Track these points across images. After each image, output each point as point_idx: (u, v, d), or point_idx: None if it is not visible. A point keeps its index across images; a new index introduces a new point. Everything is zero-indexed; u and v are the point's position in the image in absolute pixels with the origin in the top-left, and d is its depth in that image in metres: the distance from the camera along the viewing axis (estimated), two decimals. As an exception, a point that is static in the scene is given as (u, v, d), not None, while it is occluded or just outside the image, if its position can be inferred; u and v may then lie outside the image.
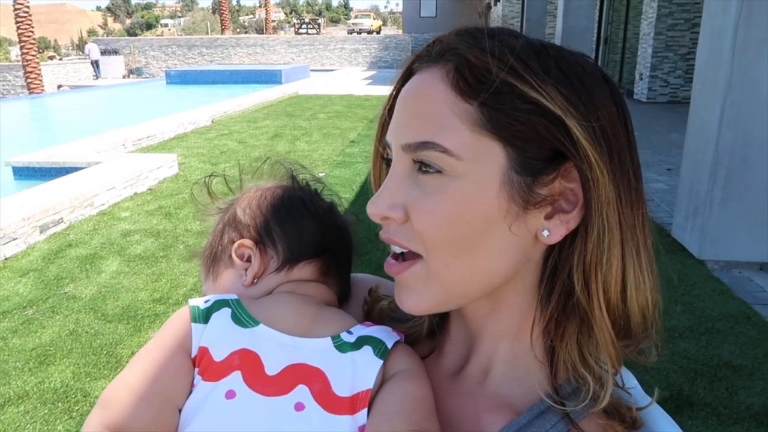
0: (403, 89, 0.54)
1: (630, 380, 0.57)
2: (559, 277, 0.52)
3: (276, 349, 0.56)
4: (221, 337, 0.56)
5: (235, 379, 0.53)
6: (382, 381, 0.56)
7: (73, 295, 3.62)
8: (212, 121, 10.02)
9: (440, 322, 0.63)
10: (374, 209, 0.53)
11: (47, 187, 5.11)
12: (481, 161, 0.49)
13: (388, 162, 0.56)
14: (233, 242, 0.66)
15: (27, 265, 4.02)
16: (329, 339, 0.57)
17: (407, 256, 0.54)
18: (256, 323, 0.57)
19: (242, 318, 0.58)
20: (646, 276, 0.51)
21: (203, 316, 0.58)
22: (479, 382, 0.58)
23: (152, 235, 4.63)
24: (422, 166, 0.51)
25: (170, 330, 0.58)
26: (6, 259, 4.10)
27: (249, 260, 0.65)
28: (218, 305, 0.59)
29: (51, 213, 4.57)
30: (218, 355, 0.55)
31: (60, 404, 2.55)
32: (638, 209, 0.51)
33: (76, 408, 2.53)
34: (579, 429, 0.52)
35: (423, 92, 0.52)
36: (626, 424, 0.53)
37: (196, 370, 0.55)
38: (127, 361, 0.60)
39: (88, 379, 2.74)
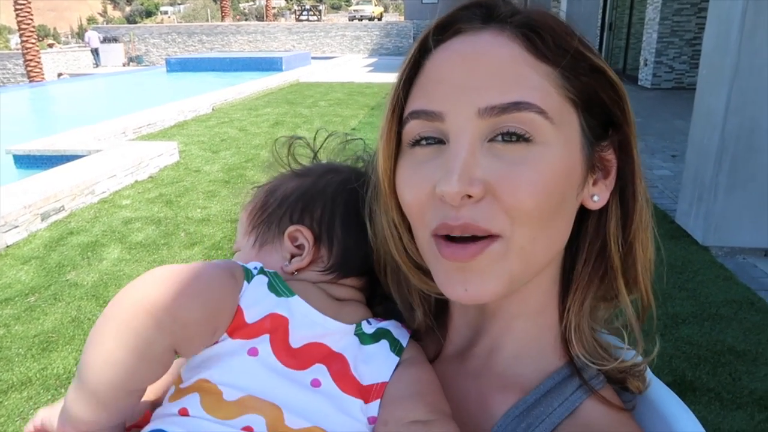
0: (459, 49, 0.49)
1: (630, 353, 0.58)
2: (593, 244, 0.53)
3: (306, 322, 0.55)
4: (256, 300, 0.54)
5: (262, 340, 0.53)
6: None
7: (74, 282, 3.62)
8: (213, 109, 9.98)
9: (437, 312, 0.62)
10: (454, 187, 0.44)
11: (48, 175, 5.10)
12: (565, 126, 0.48)
13: (417, 141, 0.50)
14: (292, 223, 0.62)
15: (29, 253, 4.02)
16: (353, 326, 0.58)
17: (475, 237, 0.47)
18: (292, 294, 0.56)
19: (278, 287, 0.56)
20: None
21: (249, 277, 0.56)
22: (485, 362, 0.57)
23: (153, 223, 4.62)
24: (504, 135, 0.46)
25: (223, 265, 0.55)
26: (8, 246, 4.10)
27: (299, 247, 0.62)
28: (259, 271, 0.58)
29: (52, 201, 4.56)
30: (251, 317, 0.53)
31: (63, 390, 2.56)
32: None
33: (79, 394, 2.54)
34: (600, 395, 0.52)
35: (495, 53, 0.47)
36: (635, 388, 0.54)
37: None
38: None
39: (91, 365, 2.75)
